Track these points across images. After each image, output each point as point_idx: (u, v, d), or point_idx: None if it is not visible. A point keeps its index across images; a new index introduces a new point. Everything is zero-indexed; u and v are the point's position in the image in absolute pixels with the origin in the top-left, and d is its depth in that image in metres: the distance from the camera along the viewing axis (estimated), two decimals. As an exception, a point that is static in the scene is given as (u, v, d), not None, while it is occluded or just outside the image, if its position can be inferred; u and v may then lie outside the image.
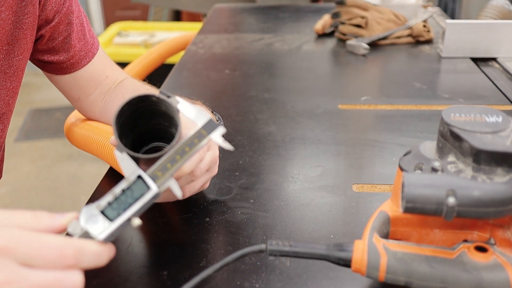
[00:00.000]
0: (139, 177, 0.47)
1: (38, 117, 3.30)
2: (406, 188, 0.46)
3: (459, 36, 1.28)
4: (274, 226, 0.64)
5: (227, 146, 0.51)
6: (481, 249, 0.50)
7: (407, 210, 0.46)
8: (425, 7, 1.78)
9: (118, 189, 0.46)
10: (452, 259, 0.49)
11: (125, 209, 0.46)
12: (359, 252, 0.49)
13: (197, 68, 1.28)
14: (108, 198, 0.46)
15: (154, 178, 0.47)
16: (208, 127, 0.49)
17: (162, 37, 2.82)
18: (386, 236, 0.53)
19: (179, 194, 0.49)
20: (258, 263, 0.57)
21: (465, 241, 0.51)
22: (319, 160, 0.81)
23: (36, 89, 3.62)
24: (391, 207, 0.54)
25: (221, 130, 0.50)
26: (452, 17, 2.00)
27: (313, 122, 0.95)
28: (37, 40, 0.76)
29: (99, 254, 0.44)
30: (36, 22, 0.73)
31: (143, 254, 0.60)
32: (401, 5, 1.85)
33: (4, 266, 0.40)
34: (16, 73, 0.74)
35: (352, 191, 0.72)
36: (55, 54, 0.78)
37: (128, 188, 0.46)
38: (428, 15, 1.47)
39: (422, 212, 0.46)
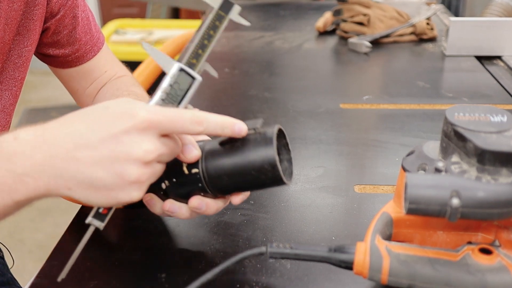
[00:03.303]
0: (181, 69, 0.51)
1: (34, 117, 3.26)
2: (409, 189, 0.45)
3: (463, 34, 1.27)
4: (275, 227, 0.63)
5: (245, 22, 0.54)
6: (485, 251, 0.49)
7: (410, 211, 0.46)
8: (428, 4, 1.77)
9: (165, 84, 0.51)
10: (456, 261, 0.48)
11: (179, 102, 0.51)
12: (361, 254, 0.48)
13: (197, 67, 1.28)
14: (160, 96, 0.50)
15: (191, 66, 0.52)
16: (225, 8, 0.53)
17: (160, 35, 2.81)
18: (388, 238, 0.52)
19: (215, 74, 0.54)
20: (258, 265, 0.56)
21: (469, 243, 0.51)
22: (320, 160, 0.81)
23: (32, 87, 3.58)
24: (394, 208, 0.53)
25: (237, 8, 0.53)
26: (456, 14, 1.99)
27: (314, 122, 0.94)
28: (42, 32, 0.76)
29: (222, 124, 0.49)
30: (44, 13, 0.74)
31: (141, 256, 0.60)
32: (404, 2, 1.83)
33: (149, 138, 0.46)
34: (24, 64, 0.75)
35: (354, 192, 0.71)
36: (60, 48, 0.79)
37: (175, 82, 0.51)
38: (432, 13, 1.45)
39: (425, 214, 0.45)
